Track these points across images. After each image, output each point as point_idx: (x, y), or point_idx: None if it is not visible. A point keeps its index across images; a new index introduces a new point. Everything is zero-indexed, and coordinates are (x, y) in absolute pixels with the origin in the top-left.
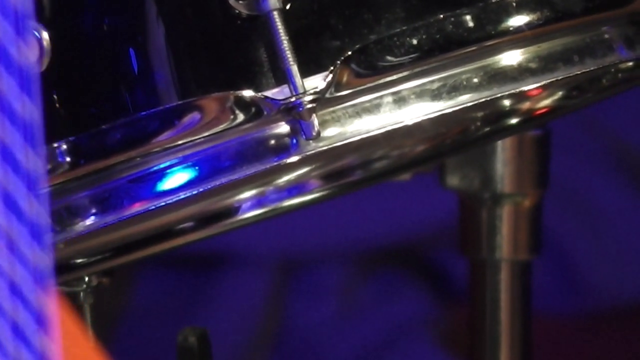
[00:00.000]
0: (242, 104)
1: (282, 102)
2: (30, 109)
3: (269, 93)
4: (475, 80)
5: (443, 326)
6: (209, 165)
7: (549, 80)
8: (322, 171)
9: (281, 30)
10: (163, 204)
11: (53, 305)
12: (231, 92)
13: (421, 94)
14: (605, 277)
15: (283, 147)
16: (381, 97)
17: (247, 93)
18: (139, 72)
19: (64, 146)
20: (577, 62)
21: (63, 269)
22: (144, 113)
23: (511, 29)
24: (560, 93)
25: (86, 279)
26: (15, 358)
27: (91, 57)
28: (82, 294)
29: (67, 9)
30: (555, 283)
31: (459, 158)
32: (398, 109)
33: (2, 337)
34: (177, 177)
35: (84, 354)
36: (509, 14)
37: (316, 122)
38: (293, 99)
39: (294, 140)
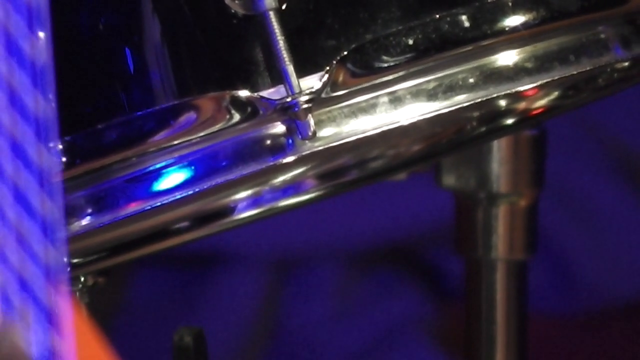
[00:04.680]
0: (238, 104)
1: (278, 101)
2: (43, 105)
3: (265, 93)
4: (471, 80)
5: (439, 325)
6: (205, 165)
7: (545, 80)
8: (318, 171)
9: (277, 30)
10: (159, 203)
11: (64, 302)
12: (227, 91)
13: (417, 93)
14: (601, 277)
15: (279, 147)
16: (377, 97)
17: (243, 93)
18: (134, 71)
19: (60, 146)
20: (573, 61)
21: None
22: (139, 112)
23: (507, 28)
24: (556, 93)
25: (82, 278)
26: None
27: (87, 56)
28: (77, 293)
29: (63, 7)
30: (551, 283)
31: (455, 158)
32: (394, 108)
33: None
34: (173, 177)
35: (93, 350)
36: (505, 13)
37: (312, 122)
38: (289, 99)
39: (290, 140)
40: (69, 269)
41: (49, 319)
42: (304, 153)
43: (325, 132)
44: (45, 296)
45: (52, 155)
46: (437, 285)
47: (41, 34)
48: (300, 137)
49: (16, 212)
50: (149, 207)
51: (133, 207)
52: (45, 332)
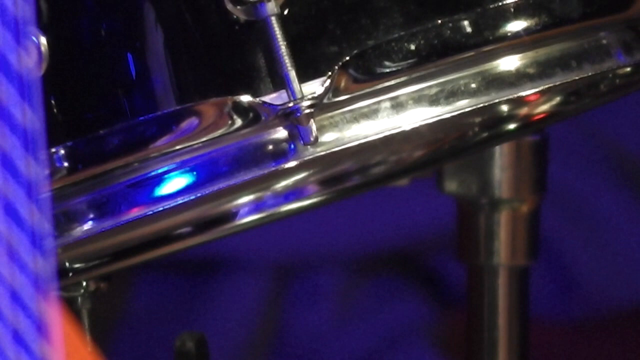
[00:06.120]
0: (240, 109)
1: (280, 107)
2: (30, 117)
3: (267, 98)
4: (473, 85)
5: (441, 331)
6: (207, 171)
7: (546, 86)
8: (320, 176)
9: (279, 36)
10: (161, 209)
11: (54, 312)
12: (229, 97)
13: (419, 99)
14: (602, 283)
15: (281, 153)
16: (379, 102)
17: (245, 98)
18: (137, 77)
19: (62, 151)
20: (574, 67)
21: (61, 274)
22: (142, 118)
23: (509, 34)
24: (558, 98)
25: (84, 284)
26: None
27: (89, 62)
28: (79, 299)
29: (65, 13)
30: (552, 289)
31: (457, 163)
32: (396, 114)
33: (3, 344)
34: (175, 182)
35: (83, 359)
36: (507, 19)
37: (314, 127)
38: (291, 104)
39: (292, 146)
40: (59, 278)
41: (39, 328)
42: (306, 158)
43: (327, 137)
44: (35, 306)
45: (40, 166)
46: (439, 291)
47: (29, 45)
48: (302, 142)
49: (5, 223)
50: (151, 213)
51: (135, 212)
52: (35, 342)
